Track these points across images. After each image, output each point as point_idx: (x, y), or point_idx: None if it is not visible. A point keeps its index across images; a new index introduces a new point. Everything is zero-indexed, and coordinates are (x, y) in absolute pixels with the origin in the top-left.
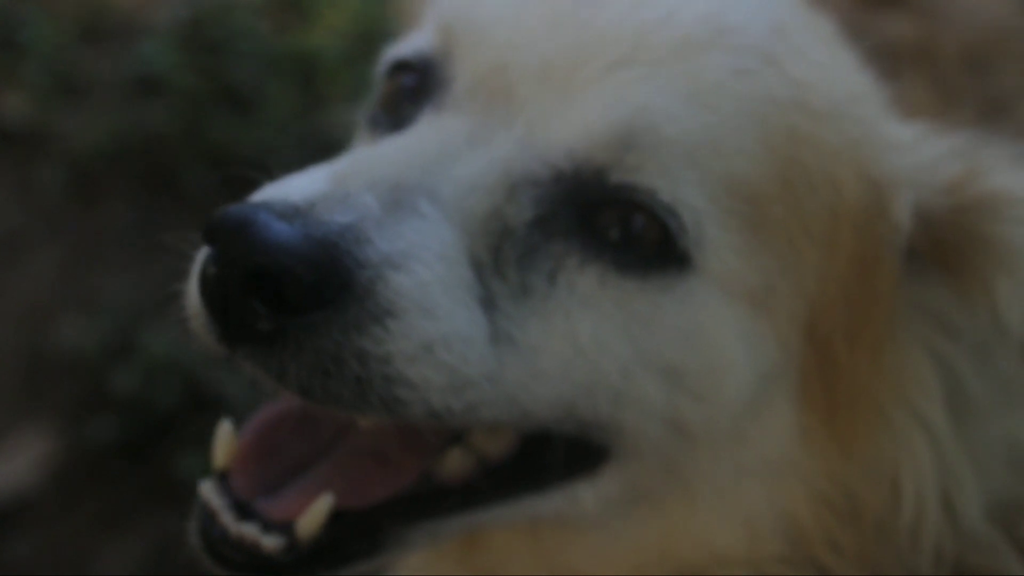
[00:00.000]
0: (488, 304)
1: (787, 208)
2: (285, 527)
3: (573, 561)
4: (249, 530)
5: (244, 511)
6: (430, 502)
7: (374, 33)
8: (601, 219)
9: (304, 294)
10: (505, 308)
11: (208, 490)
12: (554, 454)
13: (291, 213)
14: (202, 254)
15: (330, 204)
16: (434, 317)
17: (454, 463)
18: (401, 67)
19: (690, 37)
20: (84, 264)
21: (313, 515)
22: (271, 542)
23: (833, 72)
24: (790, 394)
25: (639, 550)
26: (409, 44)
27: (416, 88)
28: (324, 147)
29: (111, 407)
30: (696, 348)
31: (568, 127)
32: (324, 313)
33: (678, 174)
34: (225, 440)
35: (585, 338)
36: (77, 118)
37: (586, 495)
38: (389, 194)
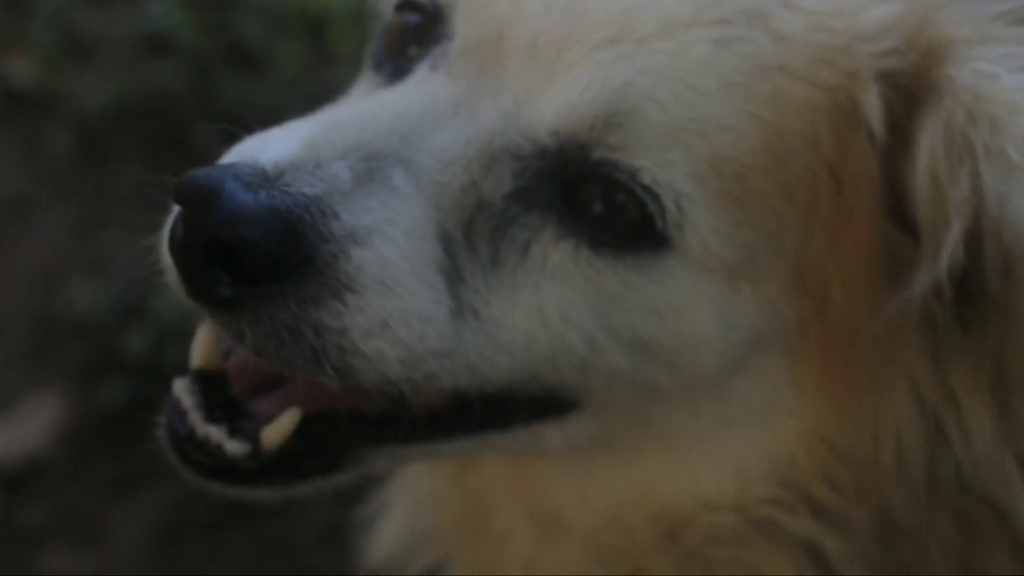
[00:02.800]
0: (454, 278)
1: (770, 178)
2: (251, 435)
3: (555, 497)
4: (215, 432)
5: (212, 415)
6: (396, 427)
7: None
8: (582, 194)
9: (264, 267)
10: (472, 282)
11: (180, 388)
12: (517, 405)
13: (258, 182)
14: (173, 211)
15: (300, 174)
16: (393, 294)
17: (424, 395)
18: (407, 4)
19: (675, 14)
20: (93, 226)
21: (280, 426)
22: (235, 447)
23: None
24: (785, 350)
25: (619, 492)
26: None
27: (420, 28)
28: (333, 105)
29: (122, 370)
30: (667, 324)
31: (553, 105)
32: (283, 285)
33: (662, 155)
34: (203, 341)
35: (551, 311)
36: (84, 79)
37: (552, 437)
38: (363, 163)
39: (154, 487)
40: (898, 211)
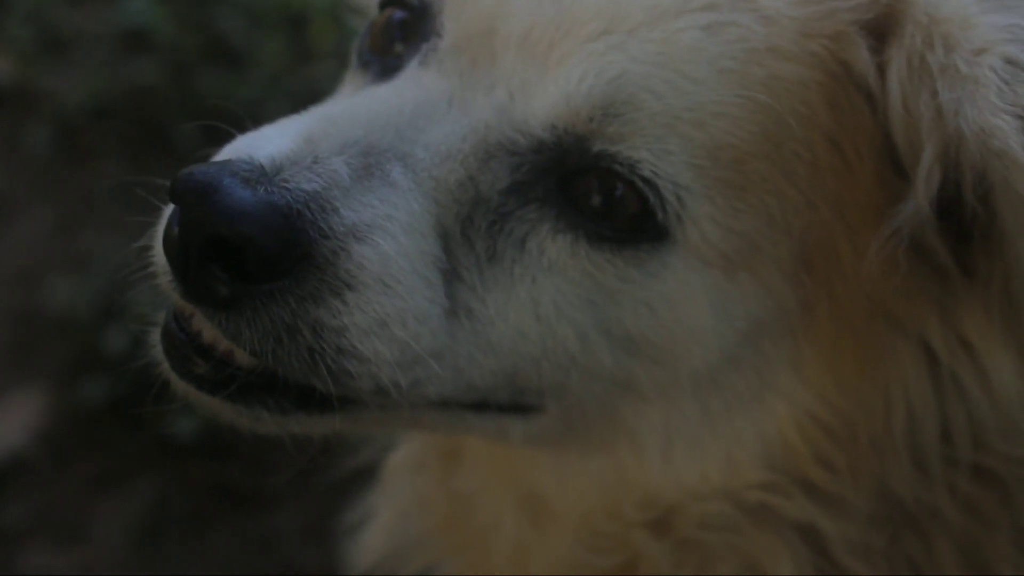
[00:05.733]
0: (451, 276)
1: (769, 161)
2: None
3: (539, 484)
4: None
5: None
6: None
7: None
8: (580, 187)
9: (263, 264)
10: (468, 279)
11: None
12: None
13: (256, 178)
14: (167, 211)
15: (298, 169)
16: (393, 292)
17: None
18: (392, 0)
19: (663, 3)
20: (73, 224)
21: None
22: (245, 355)
23: None
24: (782, 335)
25: (598, 479)
26: None
27: (407, 24)
28: (314, 100)
29: (102, 368)
30: (660, 319)
31: (548, 98)
32: (283, 282)
33: (660, 145)
34: None
35: (546, 305)
36: (63, 76)
37: (514, 429)
38: (360, 158)
39: (135, 485)
40: (898, 159)
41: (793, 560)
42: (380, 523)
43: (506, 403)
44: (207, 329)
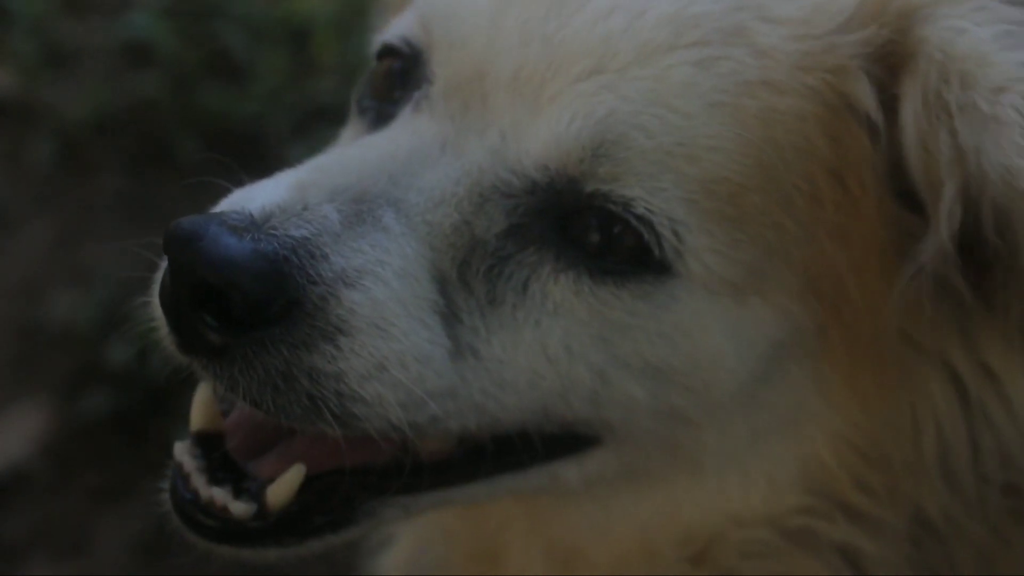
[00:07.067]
0: (451, 319)
1: (766, 194)
2: (256, 495)
3: (573, 532)
4: (219, 494)
5: (215, 477)
6: (405, 477)
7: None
8: (578, 225)
9: (251, 310)
10: (470, 321)
11: (181, 451)
12: (531, 445)
13: (244, 226)
14: (163, 264)
15: (287, 216)
16: (388, 335)
17: (432, 441)
18: (388, 51)
19: (653, 39)
20: (75, 236)
21: (284, 483)
22: (240, 508)
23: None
24: (805, 356)
25: (643, 520)
26: (394, 29)
27: (404, 71)
28: (315, 114)
29: (105, 380)
30: (678, 348)
31: (539, 139)
32: (273, 329)
33: (652, 182)
34: (202, 402)
35: (556, 347)
36: (65, 89)
37: (570, 475)
38: (351, 205)
39: (137, 498)
40: (904, 190)
41: None
42: (401, 548)
43: (558, 434)
44: (203, 487)
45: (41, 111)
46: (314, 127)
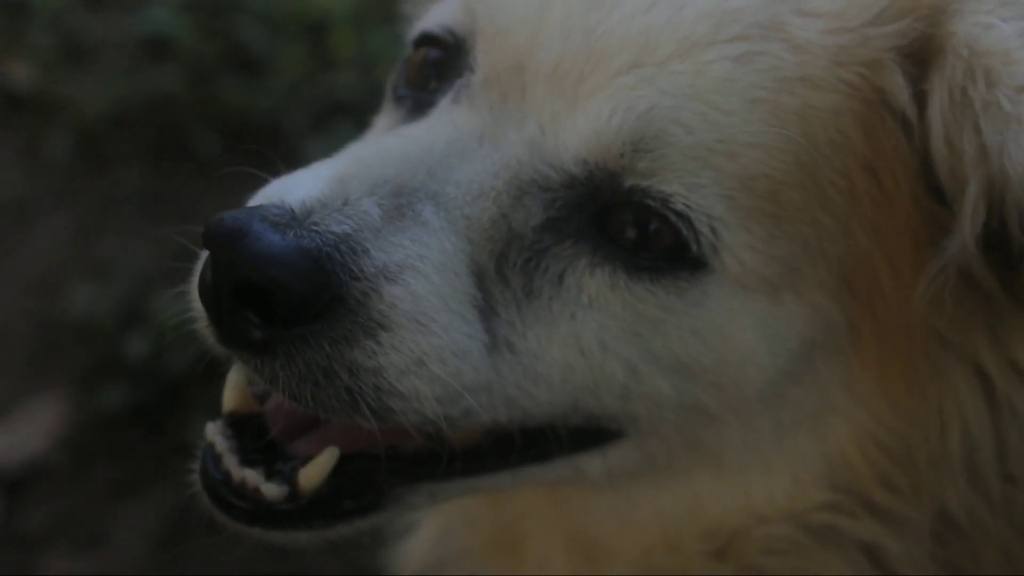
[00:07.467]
0: (488, 312)
1: (803, 190)
2: (288, 477)
3: (596, 523)
4: (252, 475)
5: (247, 458)
6: (433, 464)
7: None
8: (615, 220)
9: (294, 307)
10: (506, 315)
11: (213, 431)
12: (557, 437)
13: (286, 222)
14: (202, 257)
15: (328, 212)
16: (428, 330)
17: (461, 431)
18: (427, 40)
19: (693, 34)
20: (94, 230)
21: (317, 466)
22: (273, 490)
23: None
24: (835, 354)
25: (665, 513)
26: (435, 16)
27: (441, 62)
28: (333, 108)
29: (123, 374)
30: (709, 345)
31: (578, 132)
32: (315, 325)
33: (691, 178)
34: (235, 384)
35: (589, 341)
36: (84, 83)
37: (594, 467)
38: (391, 199)
39: (155, 491)
40: (936, 185)
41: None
42: (423, 535)
43: (583, 426)
44: (235, 468)
45: (60, 105)
46: (332, 121)
